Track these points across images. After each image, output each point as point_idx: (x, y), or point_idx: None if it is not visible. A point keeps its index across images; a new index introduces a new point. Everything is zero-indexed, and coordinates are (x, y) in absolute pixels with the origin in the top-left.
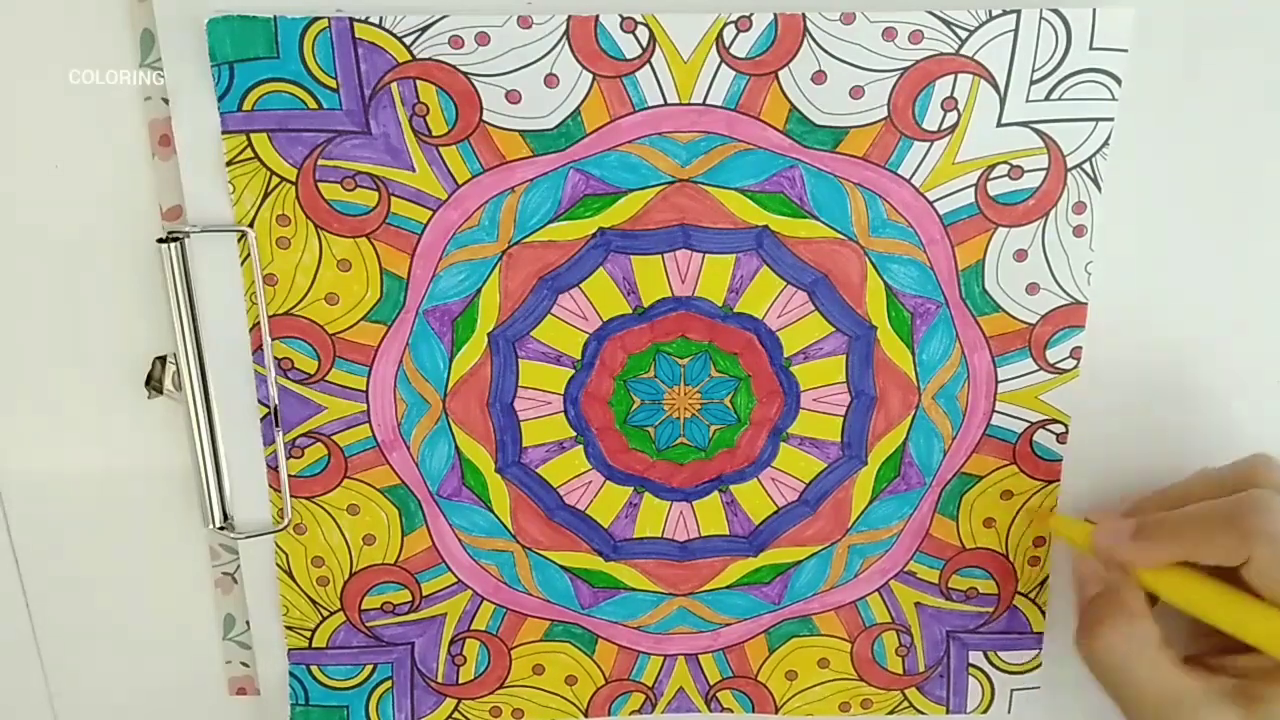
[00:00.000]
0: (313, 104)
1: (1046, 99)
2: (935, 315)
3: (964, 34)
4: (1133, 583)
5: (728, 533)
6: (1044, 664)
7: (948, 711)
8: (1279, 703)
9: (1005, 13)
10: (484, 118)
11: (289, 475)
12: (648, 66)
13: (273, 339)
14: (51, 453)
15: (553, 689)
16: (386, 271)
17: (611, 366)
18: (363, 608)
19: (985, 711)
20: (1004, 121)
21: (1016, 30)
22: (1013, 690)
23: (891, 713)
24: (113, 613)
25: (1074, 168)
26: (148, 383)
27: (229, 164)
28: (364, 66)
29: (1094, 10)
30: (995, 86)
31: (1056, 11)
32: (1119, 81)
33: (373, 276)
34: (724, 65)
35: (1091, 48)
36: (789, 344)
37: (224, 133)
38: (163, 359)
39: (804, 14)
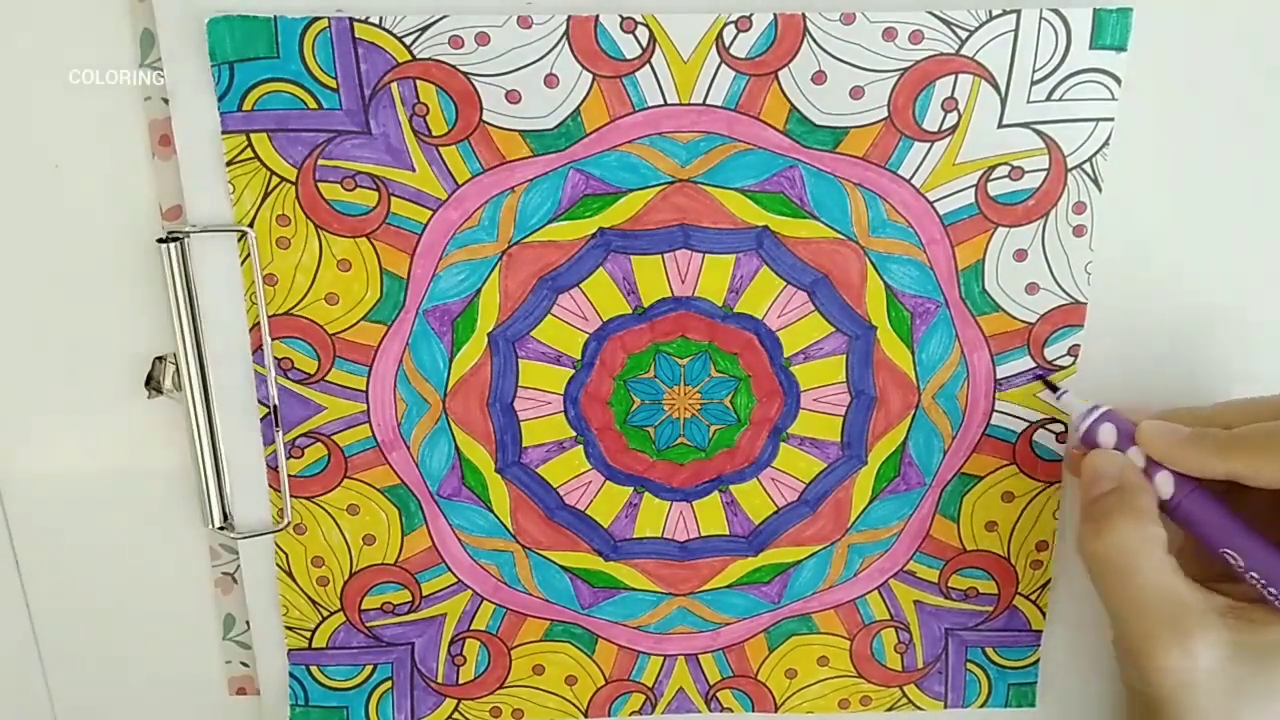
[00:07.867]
0: (313, 104)
1: (1047, 99)
2: (935, 315)
3: (964, 34)
4: (1148, 487)
5: (728, 533)
6: (1041, 661)
7: (945, 707)
8: (1268, 627)
9: (1005, 13)
10: (484, 118)
11: (289, 475)
12: (648, 66)
13: (273, 339)
14: (51, 453)
15: (553, 689)
16: (386, 271)
17: (611, 366)
18: (363, 608)
19: (982, 706)
20: (1005, 122)
21: (1017, 30)
22: (1010, 685)
23: (890, 709)
24: (113, 613)
25: (1074, 168)
26: (148, 383)
27: (229, 164)
28: (364, 66)
29: (1094, 10)
30: (996, 87)
31: (1056, 11)
32: (1119, 81)
33: (373, 276)
34: (724, 65)
35: (1092, 48)
36: (789, 344)
37: (224, 133)
38: (163, 359)
39: (804, 14)
